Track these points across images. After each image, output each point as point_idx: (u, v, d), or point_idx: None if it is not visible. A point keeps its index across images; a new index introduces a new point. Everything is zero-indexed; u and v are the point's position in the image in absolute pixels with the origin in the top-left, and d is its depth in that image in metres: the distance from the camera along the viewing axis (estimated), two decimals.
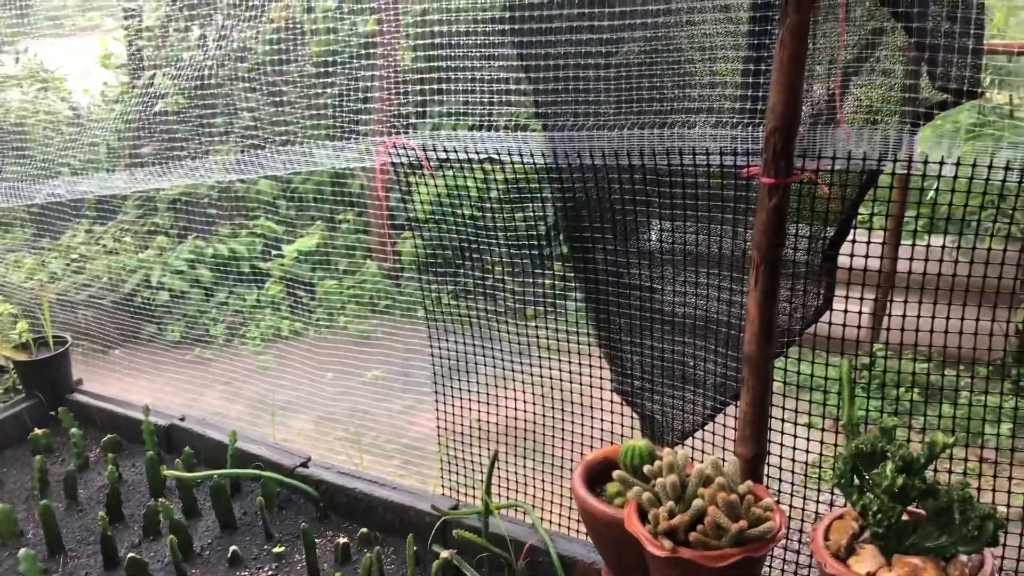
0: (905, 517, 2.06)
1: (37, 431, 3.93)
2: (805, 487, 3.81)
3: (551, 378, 3.26)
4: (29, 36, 7.91)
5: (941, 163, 2.19)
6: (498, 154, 2.69)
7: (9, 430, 4.08)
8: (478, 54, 5.25)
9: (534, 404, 3.48)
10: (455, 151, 2.75)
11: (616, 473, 2.38)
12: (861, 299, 2.61)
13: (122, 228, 6.03)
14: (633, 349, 2.83)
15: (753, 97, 2.41)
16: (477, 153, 2.72)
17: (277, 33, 6.53)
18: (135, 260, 5.68)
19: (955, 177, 2.23)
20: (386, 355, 5.21)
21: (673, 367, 2.79)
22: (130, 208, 6.05)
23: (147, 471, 3.57)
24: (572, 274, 3.59)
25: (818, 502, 3.42)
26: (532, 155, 2.65)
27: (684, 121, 2.47)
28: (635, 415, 2.99)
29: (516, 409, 3.37)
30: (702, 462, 2.25)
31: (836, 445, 2.56)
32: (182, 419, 3.96)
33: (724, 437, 2.76)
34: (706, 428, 2.88)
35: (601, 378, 3.08)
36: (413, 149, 2.78)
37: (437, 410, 3.42)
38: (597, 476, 2.55)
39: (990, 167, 2.16)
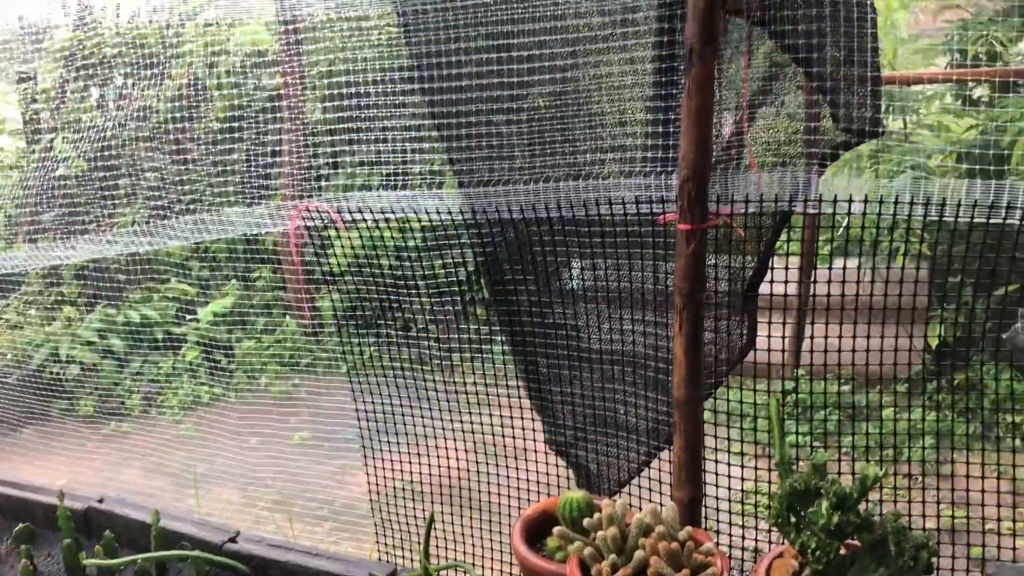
0: (843, 551, 2.08)
1: None
2: (743, 516, 3.84)
3: (482, 430, 3.22)
4: None
5: (849, 201, 2.25)
6: (415, 212, 2.66)
7: None
8: (387, 102, 5.24)
9: (467, 457, 3.44)
10: (370, 211, 2.72)
11: (556, 529, 2.35)
12: (783, 323, 2.67)
13: (26, 301, 5.78)
14: (563, 399, 2.82)
15: (664, 145, 2.44)
16: (393, 212, 2.69)
17: (179, 91, 6.41)
18: (41, 334, 5.44)
19: (864, 213, 2.30)
20: (311, 415, 5.09)
21: (604, 415, 2.79)
22: (33, 279, 5.81)
23: (65, 560, 3.38)
24: (497, 327, 3.57)
25: (757, 530, 3.45)
26: (449, 211, 2.63)
27: (598, 172, 2.49)
28: (569, 466, 2.97)
29: (449, 464, 3.32)
30: (641, 510, 2.24)
31: (769, 470, 2.59)
32: (100, 501, 3.77)
33: (660, 482, 2.76)
34: (642, 473, 2.87)
35: (534, 429, 3.06)
36: (327, 211, 2.73)
37: (367, 471, 3.35)
38: (536, 531, 2.52)
39: (896, 203, 2.23)
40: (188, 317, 5.76)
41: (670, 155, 2.49)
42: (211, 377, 5.59)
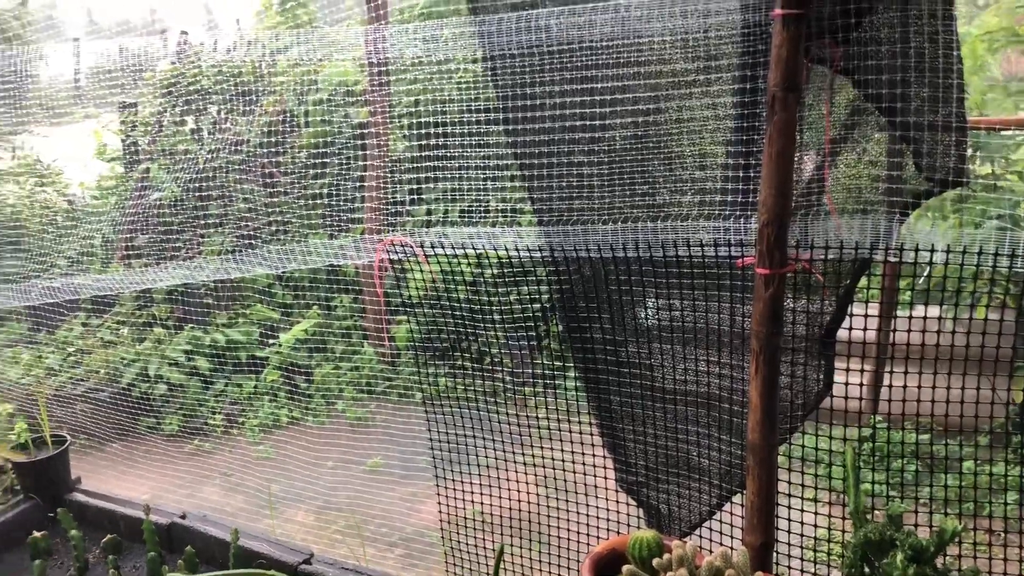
0: None
1: (36, 534, 3.87)
2: (815, 563, 3.78)
3: (551, 464, 3.25)
4: (25, 130, 8.04)
5: (932, 251, 2.23)
6: (493, 247, 2.73)
7: (9, 532, 4.02)
8: (468, 140, 5.37)
9: (535, 491, 3.47)
10: (451, 246, 2.80)
11: (626, 568, 2.36)
12: (861, 370, 2.65)
13: (119, 320, 6.04)
14: (635, 438, 2.83)
15: (743, 189, 2.47)
16: (472, 247, 2.77)
17: (270, 122, 6.66)
18: (132, 352, 5.68)
19: (946, 264, 2.28)
20: (385, 441, 5.18)
21: (677, 455, 2.80)
22: (127, 300, 6.08)
23: (149, 572, 3.52)
24: (568, 362, 3.61)
25: None
26: (528, 248, 2.69)
27: (676, 213, 2.52)
28: (640, 506, 2.98)
29: (517, 496, 3.36)
30: (711, 553, 2.24)
31: (843, 518, 2.56)
32: (183, 516, 3.92)
33: (731, 525, 2.75)
34: (713, 515, 2.87)
35: (604, 466, 3.07)
36: (410, 246, 2.82)
37: (439, 500, 3.40)
38: (605, 568, 2.53)
39: (980, 253, 2.21)
40: (271, 341, 5.94)
41: (749, 199, 2.51)
42: (290, 400, 5.74)
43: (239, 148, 6.70)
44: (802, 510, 2.65)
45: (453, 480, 3.46)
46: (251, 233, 6.33)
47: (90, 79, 8.48)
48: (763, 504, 2.47)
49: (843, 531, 2.43)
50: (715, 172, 2.55)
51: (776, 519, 2.48)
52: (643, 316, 2.68)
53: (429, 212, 6.16)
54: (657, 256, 2.52)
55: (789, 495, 2.65)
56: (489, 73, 2.61)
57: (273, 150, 6.51)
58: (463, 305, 3.54)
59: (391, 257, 2.94)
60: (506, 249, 2.76)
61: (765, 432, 2.40)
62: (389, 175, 5.92)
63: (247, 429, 5.55)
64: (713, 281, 2.57)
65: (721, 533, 2.81)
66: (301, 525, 4.48)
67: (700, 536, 2.86)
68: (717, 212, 2.57)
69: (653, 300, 2.62)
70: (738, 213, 2.48)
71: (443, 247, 2.86)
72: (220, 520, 3.92)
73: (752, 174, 2.47)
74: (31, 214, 7.60)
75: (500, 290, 3.59)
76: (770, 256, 2.26)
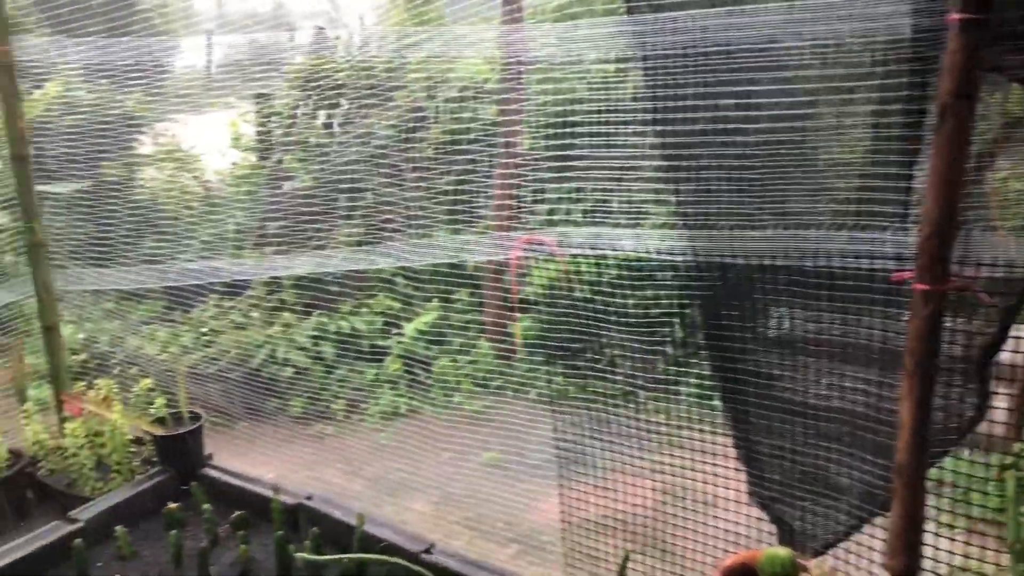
0: None
1: (171, 505, 4.05)
2: None
3: (673, 471, 3.21)
4: (166, 118, 8.45)
5: None
6: (635, 251, 2.71)
7: (145, 502, 4.21)
8: (599, 141, 5.35)
9: (657, 497, 3.43)
10: (592, 247, 2.79)
11: None
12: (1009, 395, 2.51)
13: (250, 304, 6.27)
14: (772, 452, 2.76)
15: (903, 201, 2.37)
16: (613, 249, 2.75)
17: (400, 117, 6.79)
18: (262, 335, 5.89)
19: None
20: (501, 436, 5.22)
21: (815, 472, 2.71)
22: (258, 284, 6.31)
23: (276, 551, 3.63)
24: (691, 370, 3.55)
25: None
26: (671, 252, 2.66)
27: (831, 223, 2.45)
28: (773, 521, 2.91)
29: (638, 502, 3.33)
30: (846, 575, 2.17)
31: (997, 550, 2.44)
32: (309, 498, 4.03)
33: (871, 548, 2.65)
34: (849, 536, 2.77)
35: (729, 477, 3.01)
36: (548, 244, 2.82)
37: (561, 499, 3.40)
38: None
39: None
40: (394, 331, 6.06)
41: (909, 211, 2.41)
42: (410, 390, 5.85)
43: (369, 142, 6.86)
44: (951, 538, 2.54)
45: (575, 481, 3.46)
46: (378, 226, 6.47)
47: (223, 70, 8.86)
48: (909, 529, 2.37)
49: (997, 564, 2.31)
50: (873, 183, 2.46)
51: (922, 545, 2.38)
52: (788, 327, 2.61)
53: (551, 212, 6.16)
54: (807, 265, 2.45)
55: (936, 521, 2.53)
56: (643, 74, 2.58)
57: (402, 145, 6.64)
58: (594, 305, 3.52)
59: (528, 255, 2.95)
60: (647, 252, 2.73)
61: (915, 454, 2.30)
62: (516, 173, 5.95)
63: (368, 416, 5.68)
64: (865, 295, 2.48)
65: (859, 556, 2.71)
66: (419, 514, 4.56)
67: (835, 558, 2.77)
68: (872, 223, 2.48)
69: (800, 311, 2.55)
70: (897, 225, 2.38)
71: (582, 247, 2.85)
72: (344, 503, 4.01)
73: (913, 185, 2.37)
74: (169, 198, 7.99)
75: (633, 292, 3.56)
76: (931, 272, 2.16)
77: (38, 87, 6.58)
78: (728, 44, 2.43)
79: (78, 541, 3.76)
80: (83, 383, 4.89)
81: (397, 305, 6.28)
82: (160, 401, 4.49)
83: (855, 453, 2.65)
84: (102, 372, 5.62)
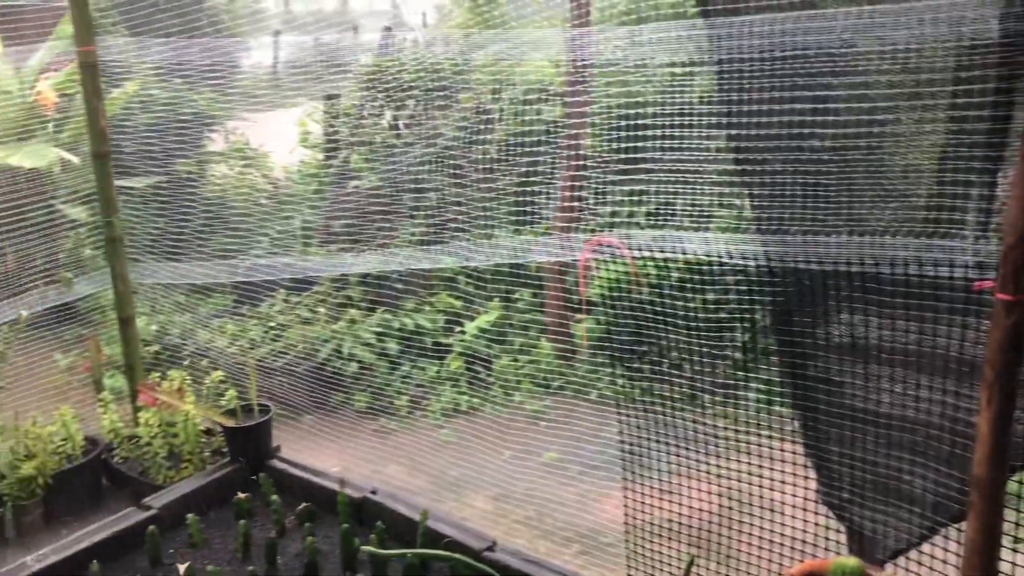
0: None
1: (240, 495, 4.15)
2: None
3: (737, 476, 3.19)
4: (236, 115, 8.64)
5: None
6: (707, 256, 2.70)
7: (215, 492, 4.32)
8: (664, 144, 5.33)
9: (719, 502, 3.41)
10: (661, 250, 2.79)
11: None
12: None
13: (317, 299, 6.39)
14: (843, 458, 2.73)
15: (985, 209, 2.33)
16: (684, 253, 2.75)
17: (465, 117, 6.85)
18: (328, 331, 6.00)
19: None
20: (560, 436, 5.24)
21: (887, 481, 2.68)
22: (325, 280, 6.43)
23: (341, 544, 3.70)
24: (754, 373, 3.52)
25: None
26: (744, 256, 2.65)
27: (908, 230, 2.41)
28: (842, 526, 2.87)
29: (701, 506, 3.31)
30: None
31: None
32: (374, 492, 4.09)
33: (944, 561, 2.61)
34: (919, 546, 2.73)
35: (794, 483, 2.98)
36: (618, 245, 2.83)
37: (625, 501, 3.40)
38: None
39: None
40: (457, 329, 6.12)
41: (990, 219, 2.37)
42: (471, 388, 5.90)
43: (434, 141, 6.93)
44: None
45: (638, 483, 3.46)
46: (441, 224, 6.54)
47: (290, 70, 9.03)
48: (986, 543, 2.33)
49: None
50: (954, 189, 2.41)
51: (999, 561, 2.34)
52: (861, 334, 2.57)
53: (614, 213, 6.15)
54: (883, 272, 2.42)
55: (1015, 537, 2.48)
56: (716, 76, 2.58)
57: (466, 145, 6.69)
58: (660, 307, 3.51)
59: (596, 256, 2.96)
60: (720, 256, 2.72)
61: (993, 467, 2.26)
62: (580, 174, 5.96)
63: (430, 412, 5.75)
64: (943, 303, 2.44)
65: (931, 569, 2.66)
66: (479, 511, 4.60)
67: (907, 570, 2.72)
68: (951, 231, 2.44)
69: (874, 318, 2.52)
70: (978, 233, 2.34)
71: (651, 249, 2.85)
72: (408, 499, 4.07)
73: (996, 192, 2.33)
74: (239, 195, 8.17)
75: (699, 295, 3.54)
76: (1015, 281, 2.12)
77: (116, 86, 6.78)
78: (806, 48, 2.41)
79: (152, 528, 3.88)
80: (156, 374, 5.04)
81: (459, 304, 6.34)
82: (231, 393, 4.60)
83: (928, 463, 2.61)
84: (173, 363, 5.78)
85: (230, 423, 4.50)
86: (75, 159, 6.37)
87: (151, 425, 4.68)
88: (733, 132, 2.62)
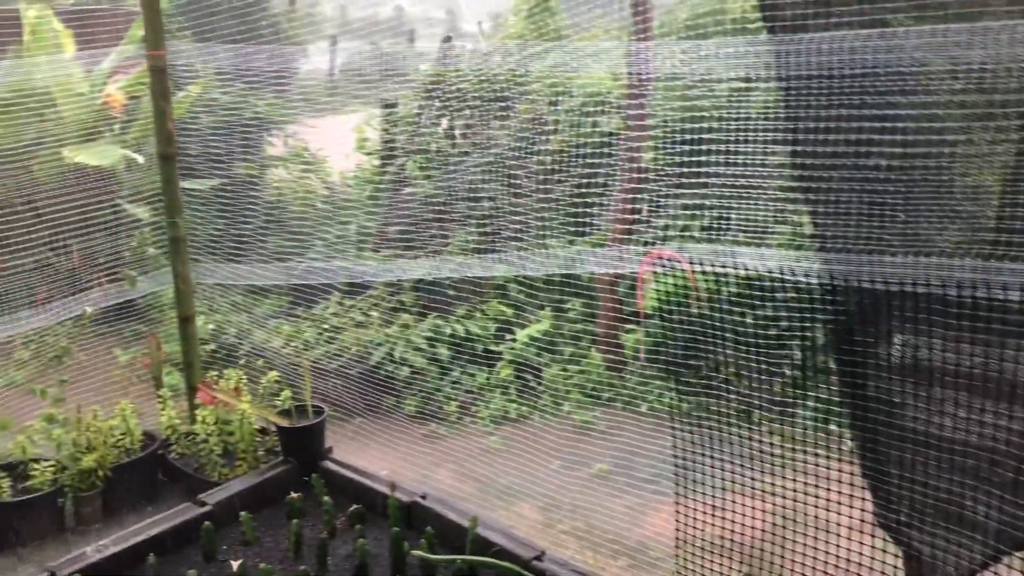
0: None
1: (293, 495, 4.21)
2: None
3: (787, 494, 3.16)
4: (294, 120, 8.79)
5: None
6: (769, 272, 2.69)
7: (268, 491, 4.39)
8: (721, 158, 5.31)
9: (768, 519, 3.38)
10: (722, 265, 2.77)
11: None
12: None
13: (371, 303, 6.47)
14: (902, 481, 2.69)
15: None
16: (746, 268, 2.73)
17: (521, 127, 6.89)
18: (381, 334, 6.06)
19: None
20: (609, 448, 5.23)
21: (948, 505, 2.63)
22: (378, 284, 6.50)
23: (391, 547, 3.73)
24: (810, 392, 3.49)
25: None
26: (807, 274, 2.63)
27: (977, 252, 2.37)
28: (899, 552, 2.83)
29: (750, 522, 3.28)
30: None
31: None
32: (423, 497, 4.13)
33: None
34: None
35: (856, 505, 2.94)
36: (678, 260, 2.83)
37: (677, 519, 3.38)
38: None
39: None
40: (508, 337, 6.15)
41: None
42: (520, 396, 5.92)
43: (489, 150, 6.97)
44: None
45: (690, 498, 3.44)
46: (495, 232, 6.57)
47: (347, 76, 9.17)
48: None
49: None
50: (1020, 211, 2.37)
51: None
52: (924, 356, 2.54)
53: (668, 226, 6.13)
54: (949, 294, 2.38)
55: None
56: (782, 93, 2.56)
57: (522, 154, 6.72)
58: (715, 322, 3.49)
59: (655, 269, 2.96)
60: (781, 272, 2.70)
61: None
62: (637, 186, 5.95)
63: (479, 419, 5.78)
64: (1010, 327, 2.40)
65: None
66: (527, 520, 4.61)
67: None
68: (1021, 254, 2.39)
69: (939, 341, 2.48)
70: None
71: (711, 263, 2.84)
72: (457, 504, 4.10)
73: None
74: (296, 198, 8.30)
75: (756, 311, 3.51)
76: None
77: (180, 89, 6.94)
78: (875, 67, 2.39)
79: (207, 524, 3.96)
80: (214, 372, 5.14)
81: (510, 311, 6.36)
82: (286, 393, 4.67)
83: (992, 489, 2.56)
84: (229, 362, 5.89)
85: (284, 423, 4.58)
86: (140, 159, 6.53)
87: (208, 423, 4.77)
88: (798, 149, 2.60)
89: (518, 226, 6.50)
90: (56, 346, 5.75)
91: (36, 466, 4.61)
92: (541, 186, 6.61)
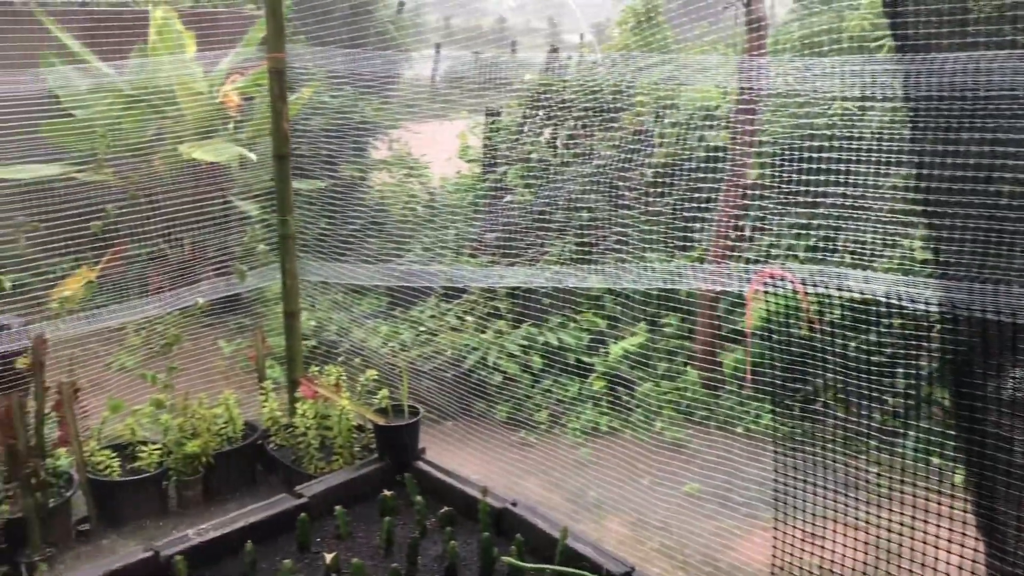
0: None
1: (386, 492, 4.27)
2: None
3: (888, 526, 3.05)
4: (399, 125, 8.96)
5: None
6: (887, 297, 2.60)
7: (362, 487, 4.47)
8: (832, 179, 5.19)
9: (866, 550, 3.28)
10: (838, 289, 2.70)
11: None
12: None
13: (466, 309, 6.53)
14: (1020, 524, 2.57)
15: None
16: (861, 294, 2.65)
17: (624, 139, 6.86)
18: (475, 340, 6.11)
19: None
20: (702, 467, 5.14)
21: None
22: (475, 290, 6.56)
23: (480, 551, 3.75)
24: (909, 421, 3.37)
25: None
26: (927, 301, 2.54)
27: None
28: None
29: (856, 556, 3.19)
30: None
31: None
32: (514, 504, 4.13)
33: None
34: None
35: (959, 542, 2.83)
36: (790, 279, 2.77)
37: (775, 546, 3.31)
38: None
39: None
40: (601, 349, 6.12)
41: None
42: (612, 410, 5.89)
43: (591, 161, 6.97)
44: None
45: (787, 525, 3.36)
46: (592, 243, 6.57)
47: (451, 84, 9.30)
48: None
49: None
50: None
51: None
52: None
53: (772, 244, 6.01)
54: None
55: None
56: (910, 114, 2.48)
57: (624, 166, 6.70)
58: (821, 346, 3.41)
59: (765, 288, 2.91)
60: (900, 299, 2.62)
61: None
62: (742, 202, 5.86)
63: (569, 430, 5.76)
64: None
65: None
66: (615, 534, 4.57)
67: None
68: None
69: None
70: None
71: (826, 285, 2.77)
72: (547, 514, 4.09)
73: None
74: (397, 201, 8.46)
75: (863, 336, 3.42)
76: None
77: (292, 91, 7.15)
78: (1013, 89, 2.29)
79: (303, 515, 4.05)
80: (315, 368, 5.27)
81: (603, 323, 6.34)
82: (383, 392, 4.75)
83: None
84: (327, 359, 6.02)
85: (381, 421, 4.65)
86: (253, 157, 6.76)
87: (307, 416, 4.89)
88: (923, 172, 2.51)
89: (617, 238, 6.47)
90: (167, 334, 5.98)
91: (144, 448, 4.81)
92: (643, 199, 6.57)
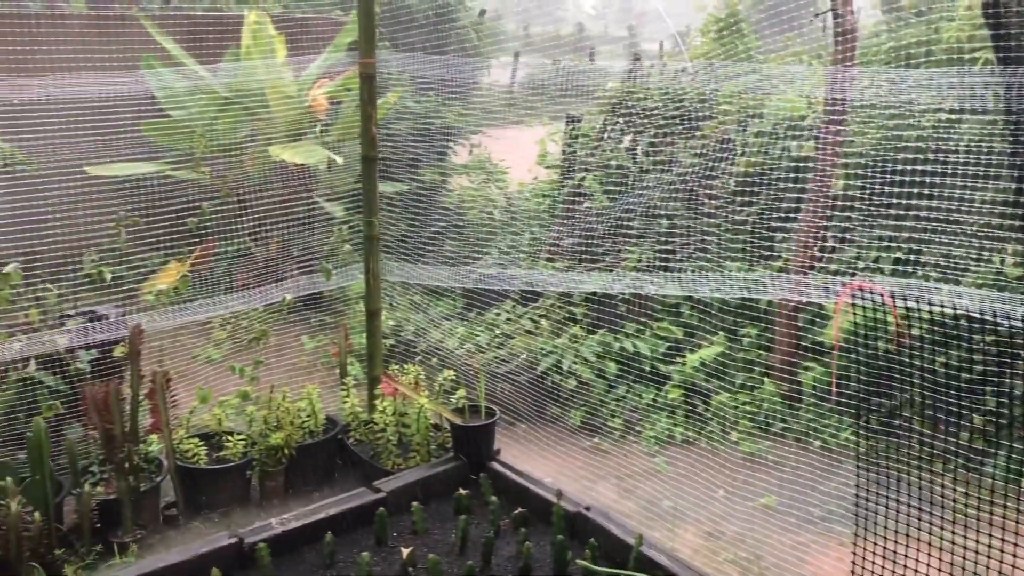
0: None
1: (461, 491, 4.34)
2: None
3: (978, 551, 2.98)
4: (479, 130, 9.07)
5: None
6: (981, 314, 2.56)
7: (438, 484, 4.56)
8: (919, 191, 5.09)
9: (952, 573, 3.21)
10: (929, 304, 2.66)
11: None
12: None
13: (541, 313, 6.57)
14: None
15: None
16: (955, 309, 2.61)
17: (707, 147, 6.82)
18: (550, 344, 6.15)
19: None
20: (777, 481, 5.08)
21: None
22: (551, 295, 6.60)
23: (554, 554, 3.79)
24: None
25: None
26: (1021, 318, 2.48)
27: None
28: None
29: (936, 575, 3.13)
30: None
31: None
32: (588, 509, 4.16)
33: None
34: None
35: None
36: (880, 292, 2.73)
37: (854, 562, 3.26)
38: None
39: None
40: (678, 358, 6.09)
41: None
42: (687, 419, 5.85)
43: (671, 169, 6.95)
44: None
45: (868, 540, 3.31)
46: (671, 251, 6.55)
47: (527, 89, 9.36)
48: None
49: None
50: None
51: None
52: None
53: (857, 257, 5.91)
54: None
55: None
56: (1012, 126, 2.43)
57: (706, 174, 6.66)
58: (914, 363, 3.35)
59: (854, 301, 2.88)
60: (996, 315, 2.56)
61: None
62: (826, 213, 5.78)
63: (643, 438, 5.75)
64: None
65: None
66: (689, 544, 4.55)
67: None
68: None
69: None
70: None
71: (917, 300, 2.73)
72: (620, 520, 4.10)
73: None
74: (475, 206, 8.55)
75: (953, 353, 3.35)
76: None
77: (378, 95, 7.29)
78: None
79: (381, 510, 4.15)
80: (394, 366, 5.38)
81: (679, 332, 6.31)
82: (460, 393, 4.82)
83: None
84: (405, 358, 6.13)
85: (458, 421, 4.73)
86: (340, 160, 6.92)
87: (387, 413, 4.99)
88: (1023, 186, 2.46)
89: (696, 247, 6.44)
90: (252, 328, 6.16)
91: (230, 438, 4.97)
92: (724, 208, 6.52)
